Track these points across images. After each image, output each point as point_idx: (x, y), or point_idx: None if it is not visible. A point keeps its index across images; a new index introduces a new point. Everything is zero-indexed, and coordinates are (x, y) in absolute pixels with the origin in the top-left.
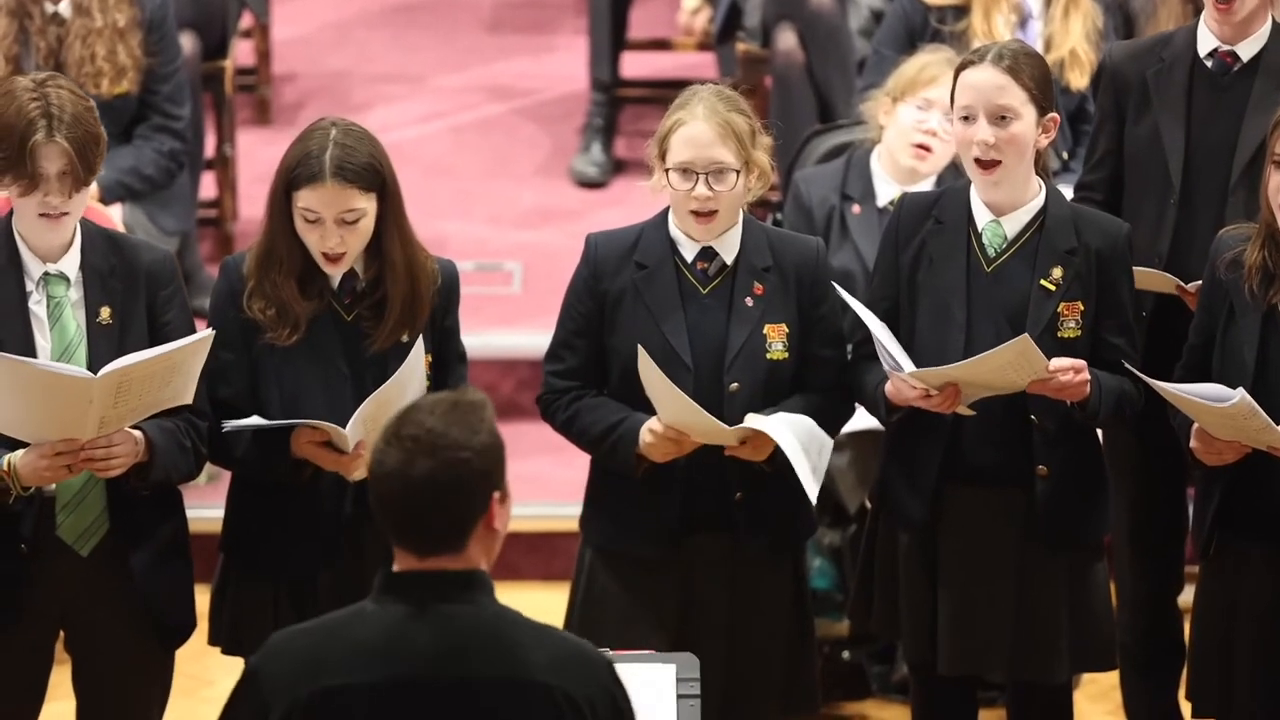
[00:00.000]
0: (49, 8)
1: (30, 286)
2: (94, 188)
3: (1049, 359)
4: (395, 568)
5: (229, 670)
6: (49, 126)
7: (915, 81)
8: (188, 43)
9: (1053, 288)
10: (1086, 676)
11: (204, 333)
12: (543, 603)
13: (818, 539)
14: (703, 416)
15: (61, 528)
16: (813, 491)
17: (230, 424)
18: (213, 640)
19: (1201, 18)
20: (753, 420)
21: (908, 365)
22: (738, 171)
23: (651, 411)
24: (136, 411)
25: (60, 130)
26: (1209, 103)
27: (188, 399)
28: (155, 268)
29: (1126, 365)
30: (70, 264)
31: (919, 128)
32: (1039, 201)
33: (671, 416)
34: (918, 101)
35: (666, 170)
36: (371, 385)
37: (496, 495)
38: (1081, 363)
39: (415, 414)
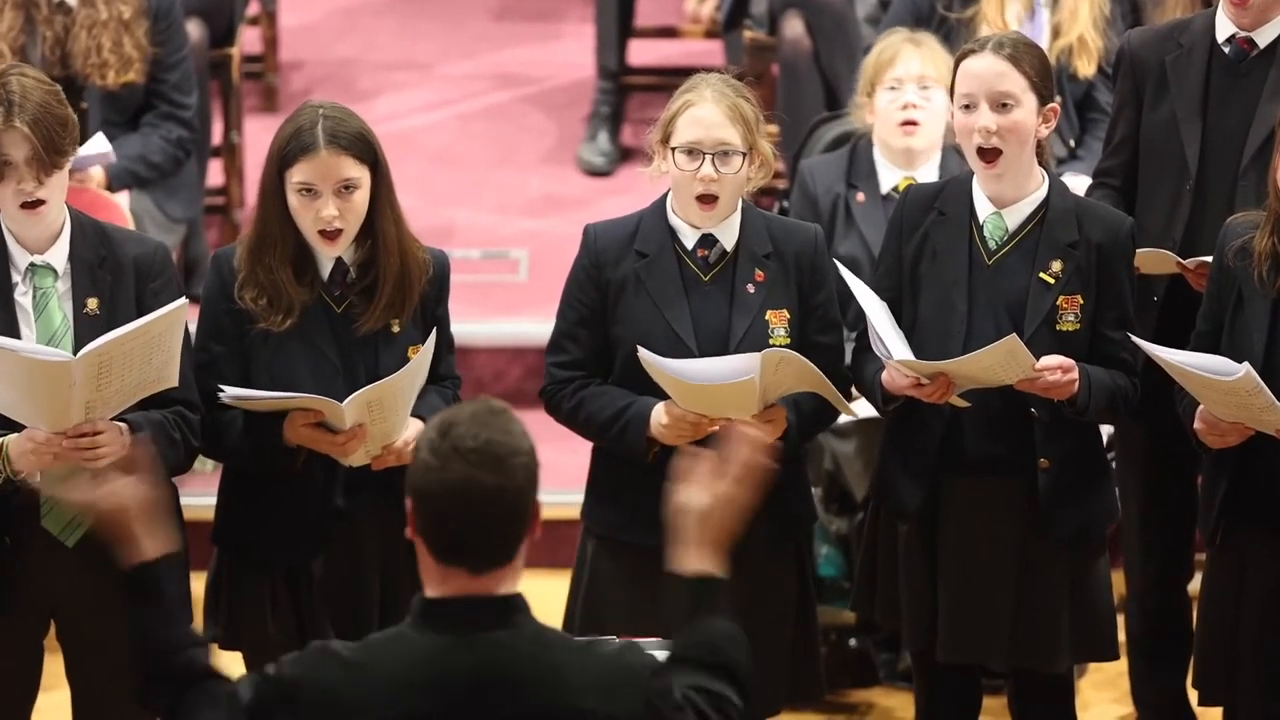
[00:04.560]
0: None
1: (16, 278)
2: (99, 175)
3: (1045, 353)
4: (433, 593)
5: (230, 657)
6: (7, 113)
7: (878, 67)
8: (194, 30)
9: (1052, 281)
10: (1092, 665)
11: (177, 303)
12: (545, 590)
13: (824, 526)
14: (718, 390)
15: (45, 519)
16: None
17: (229, 390)
18: (208, 637)
19: (1219, 3)
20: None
21: (897, 352)
22: (743, 155)
23: (657, 396)
24: (123, 394)
25: (20, 116)
26: (1225, 89)
27: (173, 380)
28: (144, 260)
29: (1129, 335)
30: (58, 255)
31: (896, 105)
32: (1041, 194)
33: (690, 403)
34: (888, 84)
35: (672, 150)
36: (363, 376)
37: (538, 499)
38: (1070, 362)
39: (461, 426)
